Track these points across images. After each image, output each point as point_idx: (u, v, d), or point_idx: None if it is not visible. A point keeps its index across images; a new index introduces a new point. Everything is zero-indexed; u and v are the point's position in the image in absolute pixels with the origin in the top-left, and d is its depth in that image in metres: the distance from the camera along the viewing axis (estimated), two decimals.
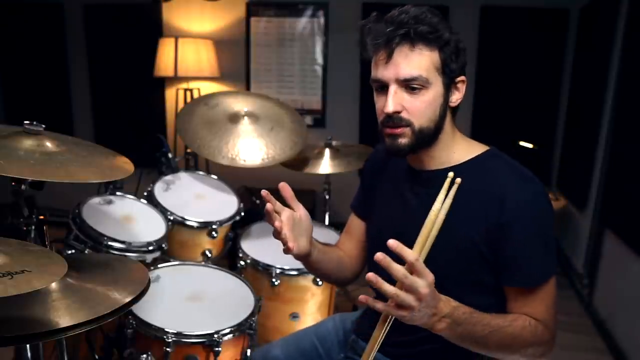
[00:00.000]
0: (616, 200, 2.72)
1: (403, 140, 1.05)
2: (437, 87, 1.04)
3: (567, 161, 3.68)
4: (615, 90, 2.82)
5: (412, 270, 0.84)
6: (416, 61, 1.01)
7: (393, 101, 1.02)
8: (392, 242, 0.83)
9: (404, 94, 1.03)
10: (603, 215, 2.88)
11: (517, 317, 1.02)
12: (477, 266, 1.06)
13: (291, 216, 1.08)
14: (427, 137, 1.06)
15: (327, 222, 2.44)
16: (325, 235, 2.17)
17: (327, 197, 2.49)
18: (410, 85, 1.02)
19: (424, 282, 0.84)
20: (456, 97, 1.08)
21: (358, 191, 1.39)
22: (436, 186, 1.04)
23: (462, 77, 1.08)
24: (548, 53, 3.70)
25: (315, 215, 3.43)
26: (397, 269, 0.83)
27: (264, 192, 1.08)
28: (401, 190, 1.18)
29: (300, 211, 1.12)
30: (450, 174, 0.93)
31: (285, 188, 1.12)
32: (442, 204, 0.92)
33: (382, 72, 1.03)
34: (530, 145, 3.46)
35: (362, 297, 0.88)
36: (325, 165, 2.26)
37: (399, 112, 1.03)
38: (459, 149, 1.11)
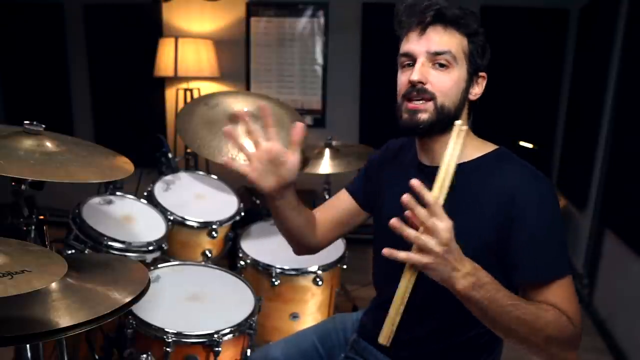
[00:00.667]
0: (616, 200, 2.72)
1: (423, 116, 1.05)
2: (462, 70, 1.06)
3: (567, 161, 3.68)
4: (615, 90, 2.82)
5: (431, 212, 0.85)
6: (447, 39, 1.05)
7: (419, 71, 1.04)
8: (414, 181, 0.86)
9: (430, 69, 1.05)
10: (603, 215, 2.88)
11: (542, 304, 0.98)
12: (488, 264, 1.01)
13: (273, 152, 1.12)
14: (447, 119, 1.05)
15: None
16: None
17: (327, 197, 2.49)
18: (438, 61, 1.04)
19: (445, 224, 0.86)
20: (476, 92, 1.10)
21: (358, 177, 1.37)
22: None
23: (484, 74, 1.11)
24: (548, 53, 3.70)
25: None
26: (420, 212, 0.85)
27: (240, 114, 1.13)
28: (397, 182, 1.16)
29: (291, 159, 1.14)
30: (457, 122, 0.96)
31: (298, 131, 1.16)
32: (453, 150, 0.94)
33: (414, 45, 1.06)
34: (530, 145, 3.46)
35: (385, 251, 0.88)
36: (325, 165, 2.26)
37: (423, 83, 1.04)
38: (470, 144, 1.10)
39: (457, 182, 1.00)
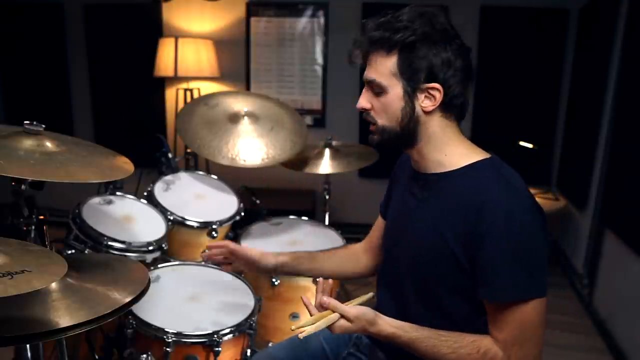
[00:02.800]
0: (616, 200, 2.72)
1: (373, 137, 1.14)
2: (396, 91, 1.07)
3: (567, 161, 3.68)
4: (615, 90, 2.82)
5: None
6: (375, 66, 1.09)
7: (361, 98, 1.13)
8: (325, 300, 1.07)
9: (371, 94, 1.11)
10: (603, 215, 2.88)
11: (467, 344, 1.02)
12: (455, 272, 1.05)
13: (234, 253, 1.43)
14: (395, 137, 1.11)
15: (327, 222, 2.44)
16: (324, 235, 2.17)
17: (327, 197, 2.49)
18: (372, 87, 1.10)
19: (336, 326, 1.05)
20: (428, 104, 1.07)
21: (385, 193, 1.41)
22: (431, 190, 1.12)
23: (434, 85, 1.05)
24: (548, 53, 3.70)
25: (315, 215, 3.43)
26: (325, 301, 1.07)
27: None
28: (405, 192, 1.21)
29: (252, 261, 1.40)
30: (294, 327, 1.07)
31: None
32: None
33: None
34: (530, 145, 3.46)
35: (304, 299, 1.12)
36: (325, 165, 2.26)
37: (365, 110, 1.12)
38: (452, 154, 1.10)
39: (438, 189, 1.09)
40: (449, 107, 1.09)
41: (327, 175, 2.42)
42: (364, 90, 1.12)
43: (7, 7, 4.16)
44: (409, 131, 1.09)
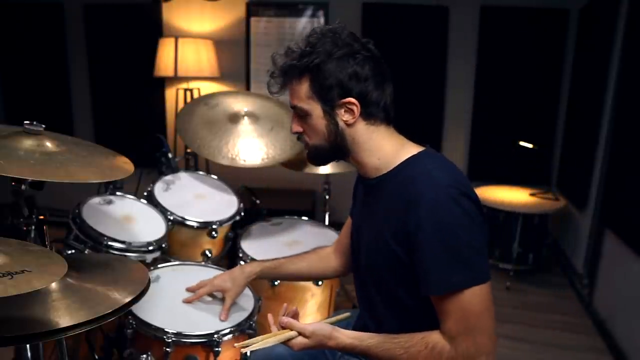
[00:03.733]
0: (616, 200, 2.72)
1: (309, 155, 1.21)
2: (316, 112, 1.13)
3: (567, 161, 3.68)
4: (615, 90, 2.82)
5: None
6: (293, 93, 1.15)
7: (292, 124, 1.19)
8: (283, 320, 1.13)
9: (298, 118, 1.18)
10: (603, 215, 2.88)
11: (416, 342, 1.04)
12: (403, 271, 1.08)
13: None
14: (328, 152, 1.18)
15: (327, 222, 2.44)
16: (324, 235, 2.18)
17: (327, 197, 2.49)
18: (297, 112, 1.16)
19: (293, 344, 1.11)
20: (348, 117, 1.12)
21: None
22: (373, 194, 1.18)
23: (349, 99, 1.09)
24: (548, 53, 3.70)
25: (315, 215, 3.43)
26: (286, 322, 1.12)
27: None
28: (360, 199, 1.29)
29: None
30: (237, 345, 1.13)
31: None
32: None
33: None
34: (530, 145, 3.47)
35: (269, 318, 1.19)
36: (325, 165, 2.26)
37: (299, 132, 1.19)
38: (384, 155, 1.15)
39: (378, 193, 1.14)
40: (370, 115, 1.13)
41: (327, 175, 2.42)
42: (293, 116, 1.19)
43: (7, 7, 4.16)
44: (337, 145, 1.15)
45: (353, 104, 1.10)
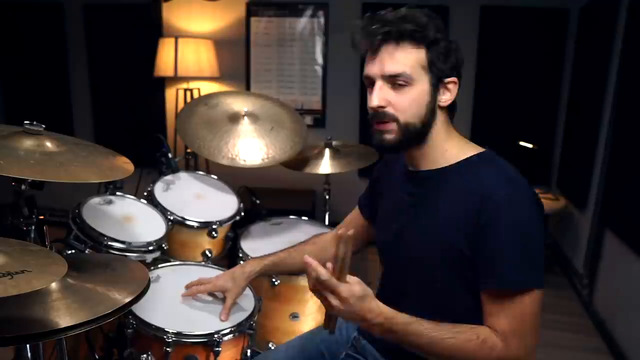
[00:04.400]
0: (616, 200, 2.72)
1: (389, 136, 1.08)
2: (422, 85, 1.05)
3: (567, 161, 3.68)
4: (615, 90, 2.82)
5: (326, 287, 0.95)
6: (400, 58, 1.04)
7: (377, 96, 1.06)
8: (306, 259, 0.97)
9: (389, 90, 1.06)
10: (603, 215, 2.88)
11: (466, 330, 1.00)
12: (459, 265, 1.05)
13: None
14: (414, 134, 1.08)
15: (327, 222, 2.43)
16: None
17: (327, 197, 2.49)
18: (395, 81, 1.05)
19: (334, 298, 0.96)
20: (446, 98, 1.09)
21: (366, 190, 1.42)
22: (430, 186, 1.11)
23: (453, 79, 1.08)
24: (548, 53, 3.70)
25: (315, 215, 3.43)
26: (321, 273, 0.95)
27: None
28: (400, 192, 1.20)
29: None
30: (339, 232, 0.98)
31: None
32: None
33: (370, 68, 1.08)
34: (530, 145, 3.47)
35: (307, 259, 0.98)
36: (325, 165, 2.26)
37: (383, 107, 1.06)
38: (452, 148, 1.12)
39: (436, 186, 1.08)
40: (453, 104, 1.11)
41: (327, 175, 2.42)
42: (377, 87, 1.06)
43: (7, 7, 4.16)
44: (426, 128, 1.08)
45: (455, 83, 1.08)
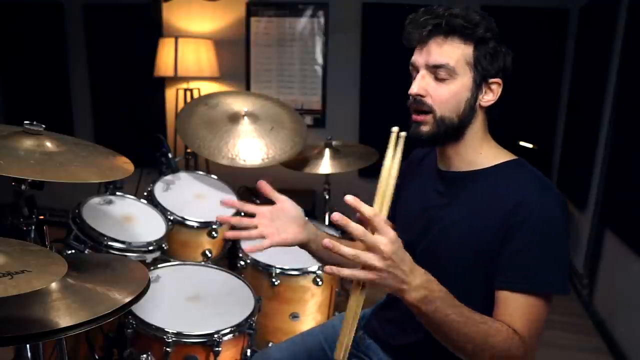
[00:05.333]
0: (616, 200, 2.72)
1: (425, 128, 1.07)
2: (465, 80, 1.05)
3: (567, 161, 3.68)
4: (615, 90, 2.82)
5: (372, 227, 0.83)
6: (447, 51, 1.04)
7: (419, 84, 1.06)
8: (348, 197, 0.83)
9: (431, 80, 1.06)
10: (603, 215, 2.88)
11: (494, 320, 0.98)
12: (486, 265, 1.04)
13: (267, 213, 1.19)
14: (450, 129, 1.07)
15: (327, 222, 2.44)
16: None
17: (327, 197, 2.49)
18: (437, 72, 1.05)
19: (385, 238, 0.83)
20: (488, 98, 1.09)
21: None
22: (461, 187, 1.10)
23: (498, 80, 1.08)
24: (548, 53, 3.70)
25: (315, 215, 3.43)
26: (356, 227, 0.82)
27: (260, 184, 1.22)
28: (427, 190, 1.19)
29: (283, 203, 1.21)
30: (394, 128, 0.95)
31: (262, 185, 1.21)
32: (392, 160, 0.94)
33: (416, 56, 1.08)
34: (530, 145, 3.46)
35: (326, 242, 0.85)
36: (325, 165, 2.26)
37: (422, 96, 1.06)
38: (487, 152, 1.12)
39: (468, 187, 1.06)
40: (494, 106, 1.11)
41: (327, 175, 2.42)
42: (420, 76, 1.06)
43: (7, 7, 4.16)
44: (463, 125, 1.08)
45: (499, 85, 1.08)
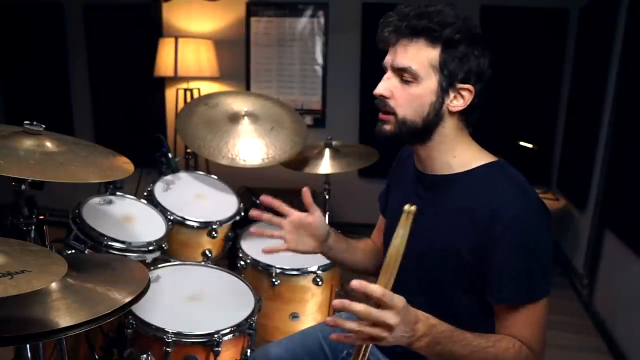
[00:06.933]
0: (616, 200, 2.72)
1: (387, 127, 1.08)
2: (429, 84, 1.03)
3: (567, 161, 3.68)
4: (615, 90, 2.82)
5: (380, 304, 0.84)
6: (411, 53, 1.03)
7: (383, 85, 1.06)
8: (355, 283, 0.83)
9: (397, 82, 1.06)
10: (603, 215, 2.88)
11: (502, 338, 0.99)
12: (465, 274, 1.05)
13: (295, 220, 1.21)
14: (413, 131, 1.06)
15: (327, 222, 2.44)
16: None
17: (327, 197, 2.49)
18: (402, 75, 1.04)
19: (392, 313, 0.84)
20: (457, 104, 1.06)
21: (383, 189, 1.40)
22: (438, 192, 1.10)
23: (468, 86, 1.04)
24: (548, 53, 3.70)
25: None
26: (359, 309, 0.83)
27: (263, 198, 1.21)
28: (409, 192, 1.19)
29: (315, 218, 1.22)
30: (406, 207, 0.90)
31: (306, 194, 1.21)
32: (402, 237, 0.90)
33: (387, 57, 1.08)
34: (530, 145, 3.46)
35: (332, 337, 0.89)
36: (325, 165, 2.26)
37: (386, 97, 1.06)
38: (462, 155, 1.10)
39: (446, 193, 1.06)
40: (469, 112, 1.08)
41: (327, 175, 2.42)
42: (386, 77, 1.06)
43: (7, 7, 4.16)
44: (428, 127, 1.06)
45: (469, 91, 1.05)
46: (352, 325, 0.85)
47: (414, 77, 1.03)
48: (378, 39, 1.09)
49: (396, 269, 0.90)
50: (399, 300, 0.85)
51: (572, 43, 3.66)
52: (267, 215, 1.22)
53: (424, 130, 1.07)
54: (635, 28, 2.62)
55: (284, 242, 1.22)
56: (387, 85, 1.06)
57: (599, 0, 3.25)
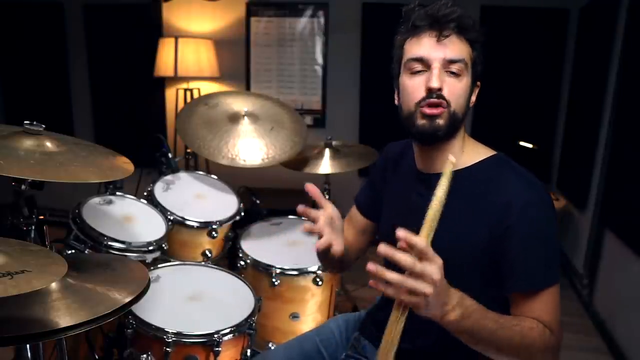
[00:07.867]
0: (616, 200, 2.72)
1: (441, 122, 1.05)
2: (469, 78, 1.08)
3: (567, 161, 3.68)
4: (615, 90, 2.82)
5: (422, 257, 0.82)
6: (461, 47, 1.06)
7: (439, 78, 1.03)
8: (400, 232, 0.82)
9: (444, 76, 1.05)
10: (603, 215, 2.88)
11: (525, 318, 1.01)
12: (478, 268, 1.06)
13: (330, 214, 1.13)
14: (457, 126, 1.08)
15: None
16: None
17: (327, 197, 2.49)
18: (451, 69, 1.04)
19: (435, 266, 0.82)
20: (473, 99, 1.11)
21: (364, 187, 1.40)
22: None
23: (478, 83, 1.11)
24: (548, 53, 3.70)
25: None
26: (404, 258, 0.80)
27: (309, 187, 1.13)
28: (409, 191, 1.18)
29: (334, 212, 1.15)
30: (452, 159, 0.94)
31: (311, 189, 1.14)
32: (444, 189, 0.91)
33: (429, 51, 1.05)
34: (530, 145, 3.46)
35: (371, 283, 0.85)
36: (325, 165, 2.26)
37: (441, 90, 1.04)
38: (468, 150, 1.13)
39: (453, 187, 1.01)
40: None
41: (327, 175, 2.42)
42: (437, 70, 1.03)
43: (7, 7, 4.16)
44: (462, 121, 1.09)
45: (478, 88, 1.12)
46: (394, 276, 0.81)
47: (462, 71, 1.05)
48: (421, 26, 1.06)
49: (434, 228, 0.89)
50: (439, 259, 0.83)
51: (572, 43, 3.66)
52: (314, 211, 1.13)
53: (460, 123, 1.09)
54: (635, 28, 2.62)
55: (325, 237, 1.12)
56: (440, 78, 1.03)
57: (599, 0, 3.25)
